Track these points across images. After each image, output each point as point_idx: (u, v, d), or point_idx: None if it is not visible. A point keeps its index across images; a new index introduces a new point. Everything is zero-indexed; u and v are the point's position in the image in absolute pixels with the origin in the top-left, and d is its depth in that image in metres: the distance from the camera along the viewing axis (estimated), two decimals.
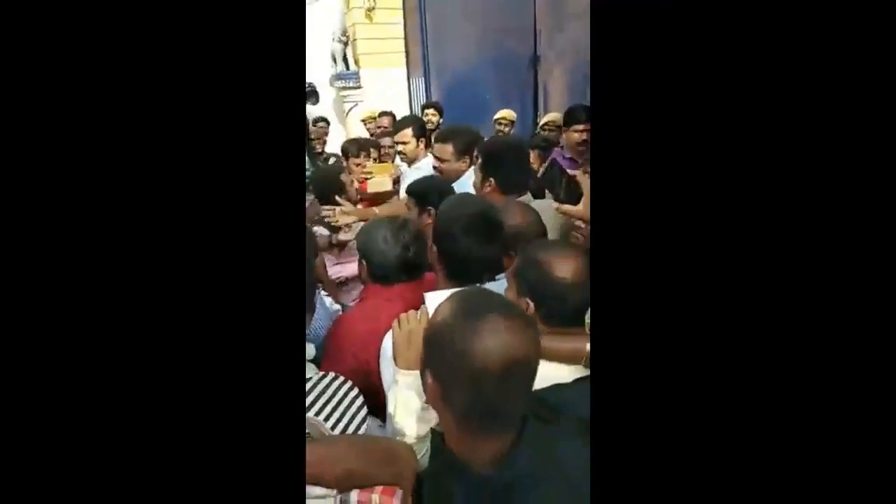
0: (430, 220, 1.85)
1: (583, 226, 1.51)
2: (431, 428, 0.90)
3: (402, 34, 5.76)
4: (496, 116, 4.08)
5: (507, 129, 4.10)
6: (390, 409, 1.09)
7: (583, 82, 3.67)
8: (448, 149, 2.28)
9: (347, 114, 5.44)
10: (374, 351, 1.28)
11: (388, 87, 5.35)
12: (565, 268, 1.17)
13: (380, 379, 1.26)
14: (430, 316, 0.87)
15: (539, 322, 1.14)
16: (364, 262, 1.46)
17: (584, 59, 3.68)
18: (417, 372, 1.04)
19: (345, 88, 5.47)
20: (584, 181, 1.16)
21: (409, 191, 1.97)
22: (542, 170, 2.88)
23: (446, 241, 1.27)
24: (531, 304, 1.16)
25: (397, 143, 2.70)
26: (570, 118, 2.96)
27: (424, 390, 0.83)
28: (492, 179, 1.86)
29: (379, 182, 2.75)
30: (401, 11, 5.70)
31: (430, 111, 3.97)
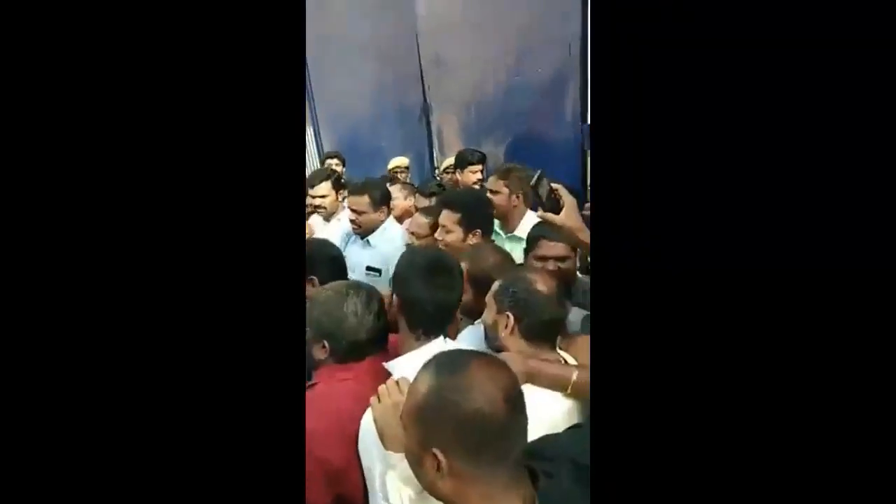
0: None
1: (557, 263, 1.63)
2: None
3: None
4: (390, 165, 4.16)
5: (403, 176, 4.20)
6: (392, 499, 1.00)
7: (473, 127, 3.88)
8: (364, 200, 2.31)
9: None
10: (346, 444, 1.13)
11: None
12: (544, 282, 1.26)
13: (359, 476, 1.13)
14: (408, 395, 0.82)
15: (518, 336, 1.22)
16: (325, 344, 1.27)
17: (471, 105, 3.89)
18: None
19: None
20: (565, 194, 1.22)
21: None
22: (533, 180, 2.97)
23: (408, 290, 1.25)
24: (511, 318, 1.22)
25: (314, 196, 2.65)
26: (460, 161, 3.15)
27: (426, 472, 0.77)
28: (478, 230, 1.97)
29: None
30: None
31: (334, 161, 3.94)
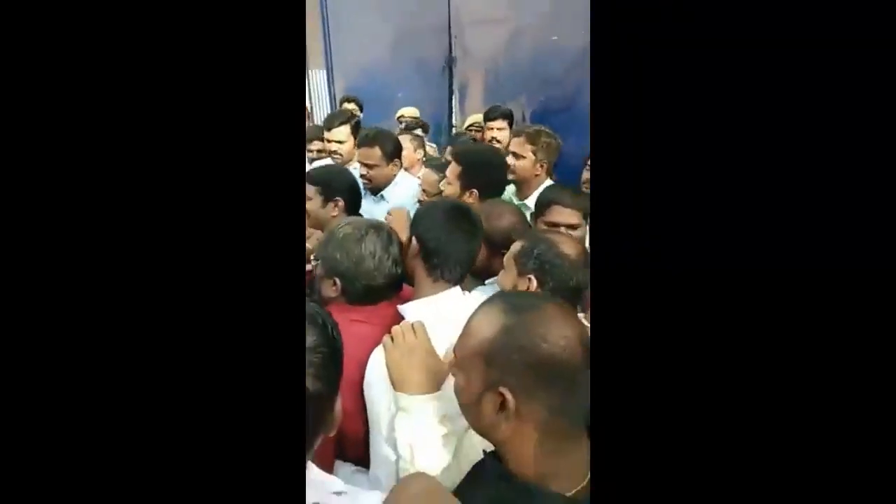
0: (335, 213, 1.76)
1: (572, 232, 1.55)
2: (486, 451, 0.80)
3: None
4: (398, 114, 3.92)
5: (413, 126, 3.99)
6: (400, 445, 0.95)
7: (499, 86, 3.70)
8: (376, 153, 2.16)
9: None
10: (351, 388, 1.05)
11: None
12: (570, 245, 1.22)
13: (362, 420, 1.06)
14: (467, 333, 0.78)
15: None
16: (336, 282, 1.20)
17: (499, 63, 3.71)
18: (430, 395, 0.96)
19: None
20: None
21: (314, 180, 1.81)
22: None
23: (430, 231, 1.16)
24: (533, 282, 1.17)
25: (330, 140, 2.48)
26: (487, 116, 3.02)
27: (483, 412, 0.73)
28: (475, 190, 1.82)
29: None
30: None
31: (352, 106, 3.71)
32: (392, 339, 1.01)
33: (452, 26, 3.82)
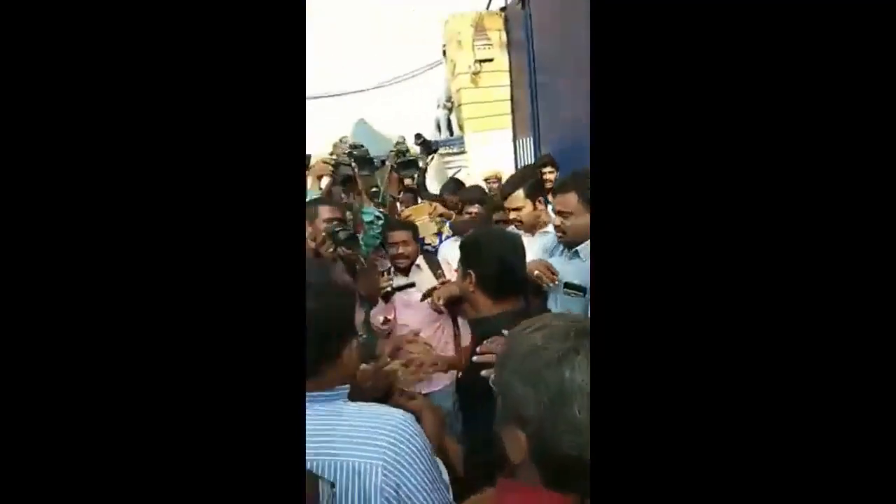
0: (472, 289, 1.38)
1: None
2: None
3: (508, 96, 5.55)
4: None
5: None
6: None
7: None
8: (572, 199, 1.73)
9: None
10: None
11: (494, 151, 5.09)
12: None
13: None
14: None
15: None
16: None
17: None
18: None
19: (448, 154, 5.29)
20: None
21: (465, 247, 1.46)
22: None
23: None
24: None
25: (509, 209, 2.28)
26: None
27: None
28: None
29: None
30: (507, 74, 5.52)
31: (547, 169, 3.46)
32: None
33: None
